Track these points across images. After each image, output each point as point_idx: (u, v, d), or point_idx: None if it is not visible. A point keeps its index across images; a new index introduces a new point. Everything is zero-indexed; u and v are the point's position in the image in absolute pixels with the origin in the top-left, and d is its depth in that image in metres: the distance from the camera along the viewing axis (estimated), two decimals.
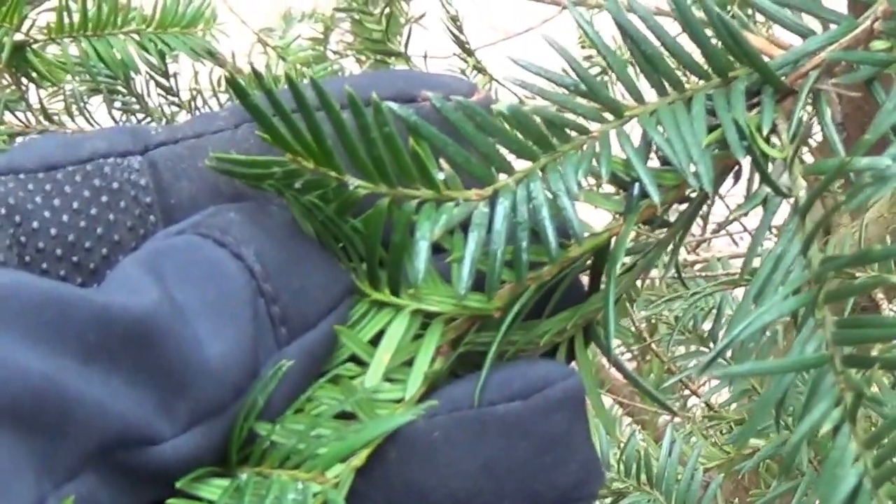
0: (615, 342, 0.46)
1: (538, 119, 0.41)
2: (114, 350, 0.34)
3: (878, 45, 0.43)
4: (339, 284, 0.42)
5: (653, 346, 1.36)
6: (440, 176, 0.41)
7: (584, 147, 0.42)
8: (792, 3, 0.47)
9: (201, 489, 0.38)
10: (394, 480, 0.40)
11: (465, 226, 0.41)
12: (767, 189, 0.44)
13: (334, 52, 1.82)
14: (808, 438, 0.38)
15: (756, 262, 0.43)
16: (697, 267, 1.40)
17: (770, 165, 0.43)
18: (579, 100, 0.43)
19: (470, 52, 1.61)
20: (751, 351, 0.44)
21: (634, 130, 0.44)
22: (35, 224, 0.40)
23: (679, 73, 0.46)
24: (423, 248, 0.40)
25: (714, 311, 1.05)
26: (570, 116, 0.43)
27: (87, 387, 0.34)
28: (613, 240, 0.43)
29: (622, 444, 0.89)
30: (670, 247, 0.46)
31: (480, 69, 1.62)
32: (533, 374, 0.41)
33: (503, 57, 0.54)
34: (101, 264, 0.41)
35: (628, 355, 1.84)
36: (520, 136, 0.41)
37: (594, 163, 0.41)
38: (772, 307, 0.39)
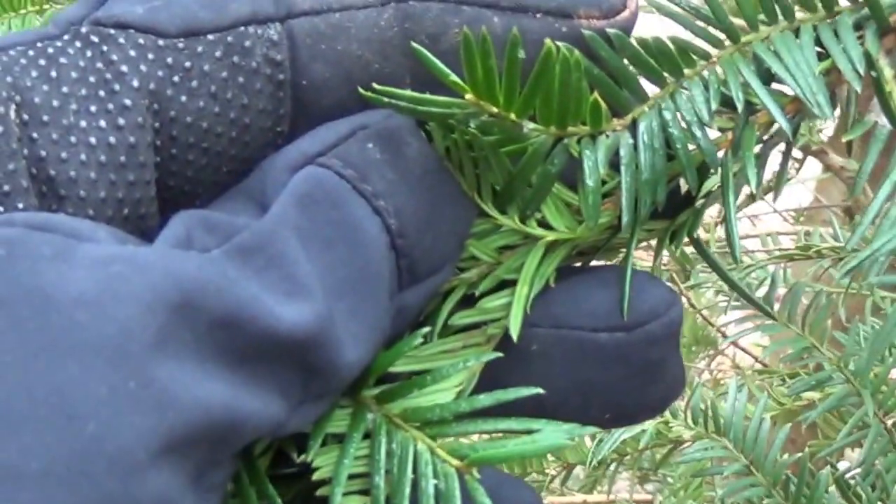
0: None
1: (671, 45, 0.43)
2: (275, 364, 0.36)
3: None
4: (468, 221, 0.42)
5: (695, 306, 1.39)
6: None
7: (706, 72, 0.44)
8: None
9: (325, 421, 0.39)
10: (483, 381, 0.42)
11: None
12: (877, 119, 0.46)
13: None
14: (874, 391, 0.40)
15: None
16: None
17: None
18: (700, 22, 0.44)
19: None
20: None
21: None
22: (172, 113, 0.39)
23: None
24: (593, 185, 0.41)
25: (767, 280, 1.08)
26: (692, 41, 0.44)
27: (254, 404, 0.35)
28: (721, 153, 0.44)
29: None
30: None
31: None
32: (639, 307, 0.42)
33: None
34: (227, 147, 0.40)
35: None
36: (654, 62, 0.43)
37: (720, 86, 0.43)
38: None
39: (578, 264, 0.46)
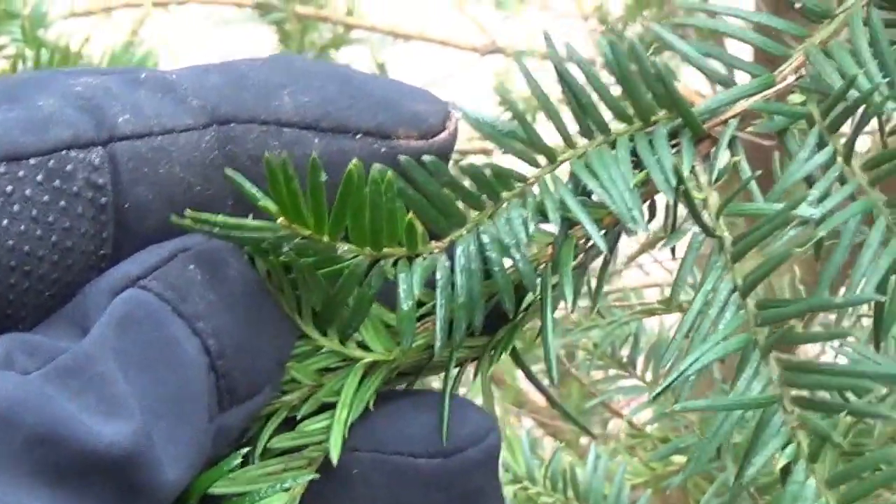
0: (536, 367, 0.49)
1: (487, 171, 0.44)
2: (94, 482, 0.36)
3: (795, 98, 0.46)
4: (288, 343, 0.43)
5: (573, 370, 1.40)
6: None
7: (525, 193, 0.44)
8: (715, 55, 0.50)
9: None
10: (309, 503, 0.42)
11: None
12: (693, 227, 0.47)
13: None
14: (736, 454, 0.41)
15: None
16: (611, 297, 1.44)
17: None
18: (516, 143, 0.45)
19: None
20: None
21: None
22: None
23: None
24: (408, 308, 0.42)
25: (631, 338, 1.09)
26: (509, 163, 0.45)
27: None
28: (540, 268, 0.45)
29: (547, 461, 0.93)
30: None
31: None
32: (458, 433, 0.43)
33: None
34: (49, 270, 0.40)
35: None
36: (472, 187, 0.44)
37: (537, 208, 0.44)
38: (712, 347, 0.42)
39: (403, 385, 0.46)
